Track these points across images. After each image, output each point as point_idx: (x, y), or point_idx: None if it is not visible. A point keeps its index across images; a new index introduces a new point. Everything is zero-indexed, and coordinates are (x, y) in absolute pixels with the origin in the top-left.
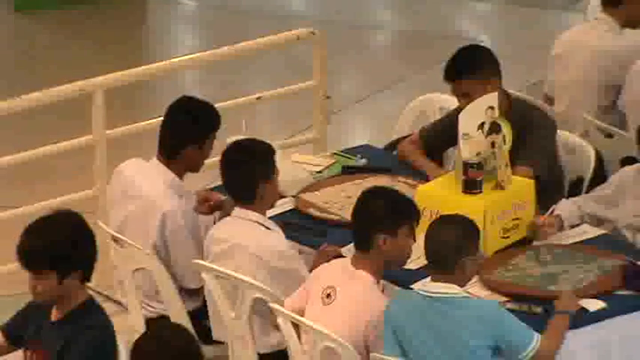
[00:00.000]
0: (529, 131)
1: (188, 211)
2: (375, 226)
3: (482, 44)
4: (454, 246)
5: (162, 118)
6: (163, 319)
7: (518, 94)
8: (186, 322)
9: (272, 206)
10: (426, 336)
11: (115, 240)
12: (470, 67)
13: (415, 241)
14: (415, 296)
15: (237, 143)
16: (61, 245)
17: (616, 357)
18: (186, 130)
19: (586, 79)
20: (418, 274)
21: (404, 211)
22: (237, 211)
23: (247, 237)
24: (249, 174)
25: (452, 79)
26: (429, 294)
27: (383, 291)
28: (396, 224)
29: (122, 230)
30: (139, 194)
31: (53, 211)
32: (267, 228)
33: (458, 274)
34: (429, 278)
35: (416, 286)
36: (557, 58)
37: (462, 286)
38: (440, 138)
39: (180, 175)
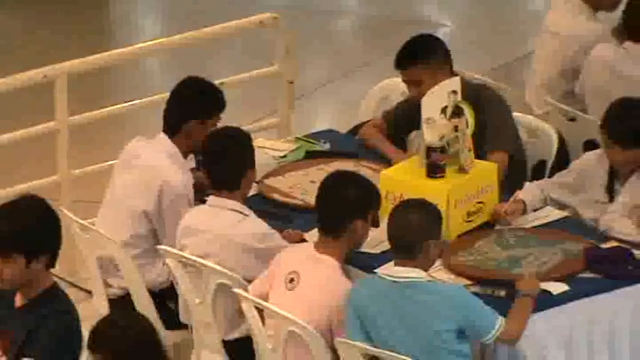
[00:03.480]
0: (487, 110)
1: (188, 186)
2: (352, 212)
3: (434, 34)
4: (419, 231)
5: (127, 104)
6: (124, 299)
7: (466, 75)
8: (150, 309)
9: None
10: (391, 320)
11: (82, 227)
12: (420, 55)
13: (378, 225)
14: (380, 281)
15: (220, 132)
16: (29, 228)
17: (580, 340)
18: (189, 104)
19: (553, 65)
20: (381, 259)
21: (375, 197)
22: (214, 199)
23: (227, 226)
24: (237, 162)
25: (402, 67)
26: (393, 278)
27: (347, 275)
28: (369, 209)
29: (117, 198)
30: (140, 164)
31: (19, 195)
32: (244, 214)
33: (422, 259)
34: (392, 262)
35: (380, 270)
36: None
37: (425, 270)
38: (405, 120)
39: (183, 154)
